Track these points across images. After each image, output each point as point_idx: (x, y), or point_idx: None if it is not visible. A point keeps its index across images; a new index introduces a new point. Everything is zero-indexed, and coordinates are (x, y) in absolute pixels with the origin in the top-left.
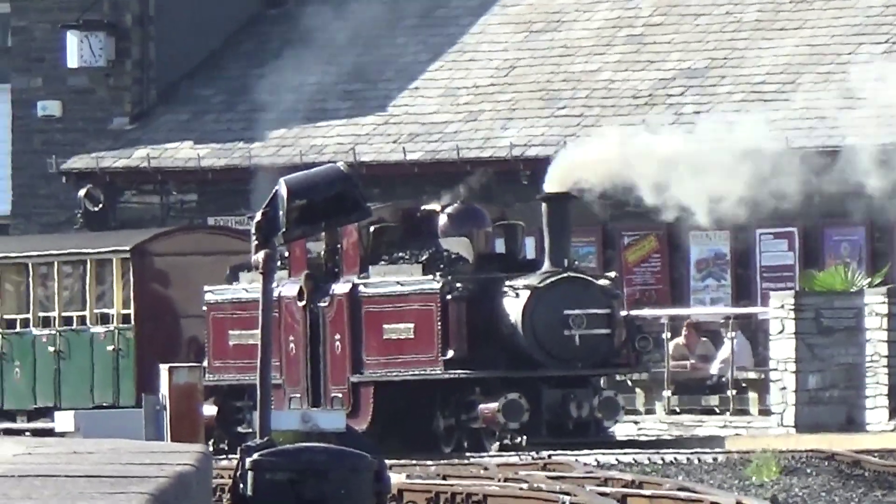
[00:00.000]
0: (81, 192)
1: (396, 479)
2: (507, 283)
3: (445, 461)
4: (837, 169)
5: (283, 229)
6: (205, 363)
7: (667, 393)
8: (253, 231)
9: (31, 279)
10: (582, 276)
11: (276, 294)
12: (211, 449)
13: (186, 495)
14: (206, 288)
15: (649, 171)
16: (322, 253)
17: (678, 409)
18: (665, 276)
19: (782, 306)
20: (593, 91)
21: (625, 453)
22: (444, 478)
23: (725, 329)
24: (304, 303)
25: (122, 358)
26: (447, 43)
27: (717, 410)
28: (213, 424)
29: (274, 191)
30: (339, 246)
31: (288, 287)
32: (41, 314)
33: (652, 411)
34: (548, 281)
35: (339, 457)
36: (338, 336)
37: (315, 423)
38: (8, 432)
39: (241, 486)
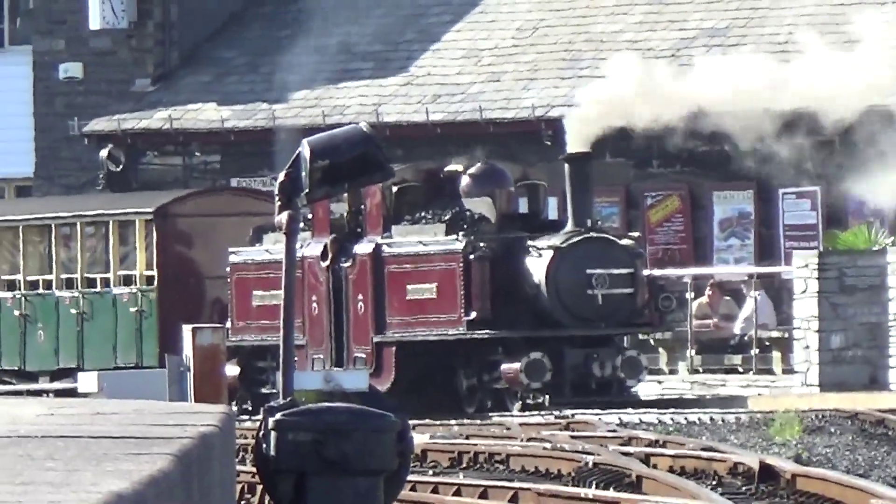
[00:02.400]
0: (103, 154)
1: (419, 439)
2: (530, 242)
3: (468, 421)
4: (859, 129)
5: (307, 190)
6: (228, 324)
7: (690, 352)
8: (276, 192)
9: (53, 241)
10: (605, 235)
11: (299, 255)
12: (234, 409)
13: (210, 456)
14: (229, 249)
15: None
16: (345, 214)
17: (701, 369)
18: (688, 236)
19: (806, 265)
20: (615, 51)
21: (648, 413)
22: (467, 438)
23: (747, 288)
24: (327, 263)
25: (145, 319)
26: (469, 4)
27: (741, 370)
28: (236, 385)
29: (297, 152)
30: (362, 206)
31: (311, 247)
32: (64, 276)
33: (675, 371)
34: (571, 241)
35: (362, 417)
36: (361, 296)
37: (338, 383)
38: (31, 393)
39: (264, 446)
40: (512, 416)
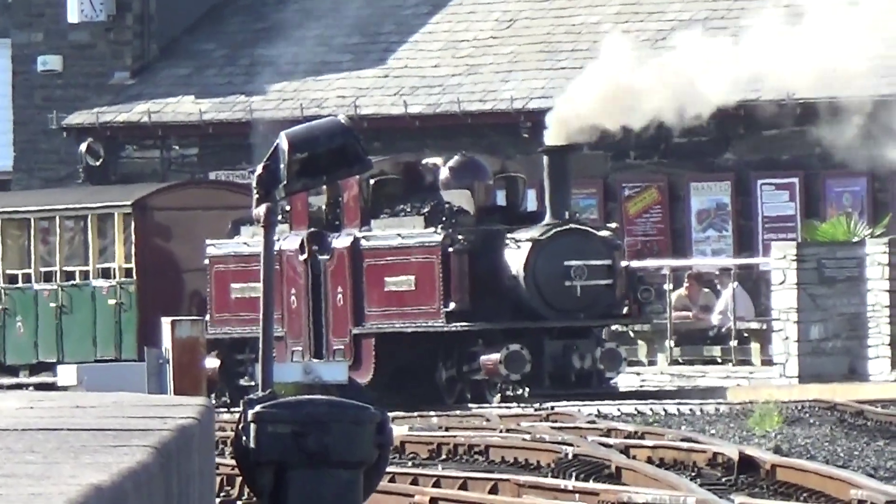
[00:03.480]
0: (82, 147)
1: (399, 431)
2: (509, 235)
3: (447, 413)
4: (839, 119)
5: (284, 182)
6: (207, 317)
7: (669, 344)
8: (254, 185)
9: (32, 234)
10: (583, 227)
11: (277, 247)
12: (213, 402)
13: (189, 448)
14: (207, 242)
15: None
16: (323, 206)
17: (680, 360)
18: (666, 228)
19: (784, 257)
20: (594, 43)
21: (627, 404)
22: (447, 429)
23: (723, 280)
24: (305, 256)
25: (124, 312)
26: None
27: (720, 361)
28: (215, 378)
29: (274, 144)
30: (340, 199)
31: (289, 240)
32: (43, 269)
33: (654, 362)
34: (549, 233)
35: (342, 409)
36: (339, 289)
37: (317, 376)
38: (10, 387)
39: (244, 438)
40: (491, 407)
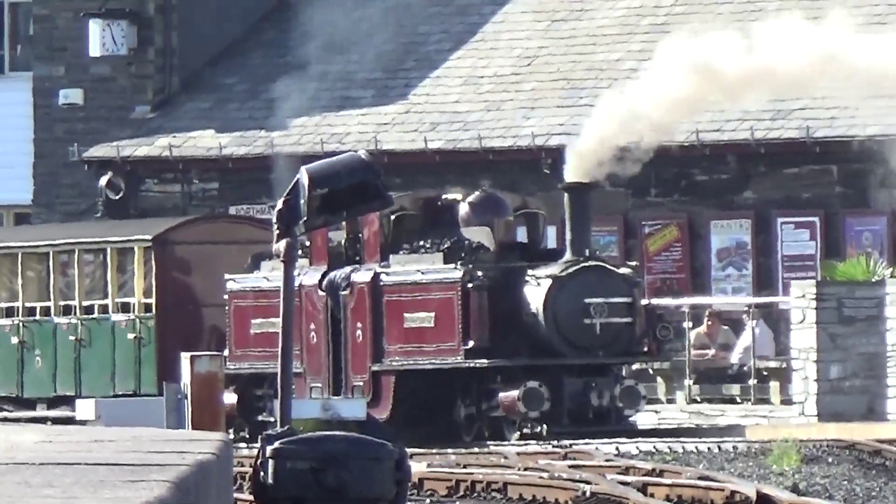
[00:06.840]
0: (103, 181)
1: (417, 467)
2: (529, 271)
3: (466, 450)
4: (859, 159)
5: (305, 218)
6: (226, 352)
7: (688, 382)
8: (274, 220)
9: (51, 267)
10: (603, 264)
11: (297, 283)
12: (232, 437)
13: (207, 483)
14: (227, 276)
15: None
16: (343, 242)
17: (699, 399)
18: (686, 266)
19: (804, 296)
20: (615, 81)
21: (645, 442)
22: (465, 466)
23: (746, 317)
24: (325, 291)
25: (143, 346)
26: (469, 31)
27: (739, 399)
28: (234, 413)
29: (295, 179)
30: (360, 235)
31: (309, 276)
32: (62, 302)
33: (673, 400)
34: (569, 270)
35: (360, 445)
36: (359, 325)
37: (336, 412)
38: (29, 420)
39: (262, 474)
40: (510, 445)
